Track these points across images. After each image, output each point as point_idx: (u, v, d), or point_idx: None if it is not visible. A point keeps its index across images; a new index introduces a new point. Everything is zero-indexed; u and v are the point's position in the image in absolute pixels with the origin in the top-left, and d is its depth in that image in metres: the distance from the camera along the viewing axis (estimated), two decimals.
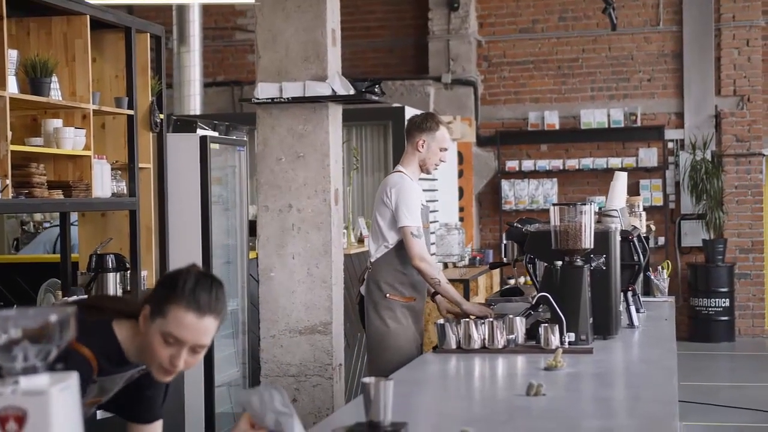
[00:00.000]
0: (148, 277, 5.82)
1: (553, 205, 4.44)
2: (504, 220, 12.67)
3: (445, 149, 5.35)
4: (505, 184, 12.83)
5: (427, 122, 5.33)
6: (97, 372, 2.61)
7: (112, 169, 5.46)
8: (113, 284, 5.38)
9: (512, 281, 12.32)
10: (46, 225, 8.82)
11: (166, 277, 2.64)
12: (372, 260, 5.33)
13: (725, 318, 12.15)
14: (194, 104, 10.58)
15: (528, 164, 12.78)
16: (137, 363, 2.69)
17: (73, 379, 1.79)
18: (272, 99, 5.82)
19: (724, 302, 12.12)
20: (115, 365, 2.65)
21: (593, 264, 4.44)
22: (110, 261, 5.38)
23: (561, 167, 12.68)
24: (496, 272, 11.13)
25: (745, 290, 12.44)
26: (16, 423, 1.71)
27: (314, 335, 5.71)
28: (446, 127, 5.39)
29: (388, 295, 5.20)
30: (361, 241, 8.04)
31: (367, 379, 2.73)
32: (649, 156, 12.52)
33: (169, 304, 2.53)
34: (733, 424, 8.10)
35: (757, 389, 9.63)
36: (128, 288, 5.57)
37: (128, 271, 5.53)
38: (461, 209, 12.32)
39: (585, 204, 4.40)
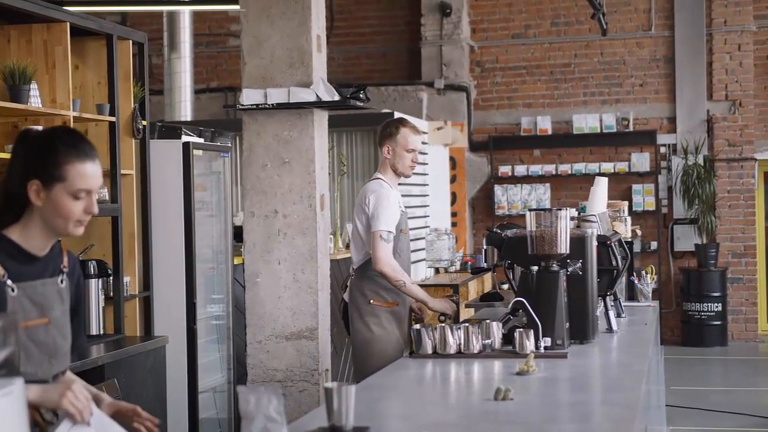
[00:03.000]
0: (131, 283, 5.83)
1: (530, 210, 4.46)
2: (491, 226, 12.66)
3: (413, 150, 5.36)
4: (498, 190, 12.85)
5: (387, 128, 5.41)
6: (4, 274, 2.63)
7: None
8: (95, 290, 5.40)
9: (506, 286, 12.33)
10: None
11: (38, 146, 2.69)
12: (354, 267, 5.39)
13: (718, 322, 12.16)
14: (185, 110, 10.60)
15: (521, 169, 12.80)
16: (44, 255, 2.74)
17: (17, 385, 1.81)
18: (257, 105, 5.85)
19: (717, 307, 12.13)
20: (23, 263, 2.69)
21: (569, 269, 4.45)
22: (92, 267, 5.40)
23: (554, 172, 12.70)
24: (488, 277, 11.14)
25: (737, 295, 12.45)
26: None
27: (300, 341, 5.73)
28: (411, 128, 5.41)
29: (372, 301, 5.26)
30: (348, 246, 8.05)
31: (328, 384, 2.76)
32: (641, 161, 12.53)
33: (62, 167, 2.65)
34: (722, 428, 8.10)
35: (748, 394, 9.64)
36: (111, 294, 5.58)
37: (110, 278, 5.55)
38: (454, 214, 12.34)
39: (561, 209, 4.41)
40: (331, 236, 8.17)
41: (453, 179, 12.35)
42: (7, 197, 2.72)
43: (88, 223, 5.69)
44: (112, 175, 5.58)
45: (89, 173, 2.69)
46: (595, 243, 4.67)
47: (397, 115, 9.91)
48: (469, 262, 11.03)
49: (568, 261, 4.46)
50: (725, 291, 12.23)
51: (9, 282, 2.64)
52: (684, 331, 12.30)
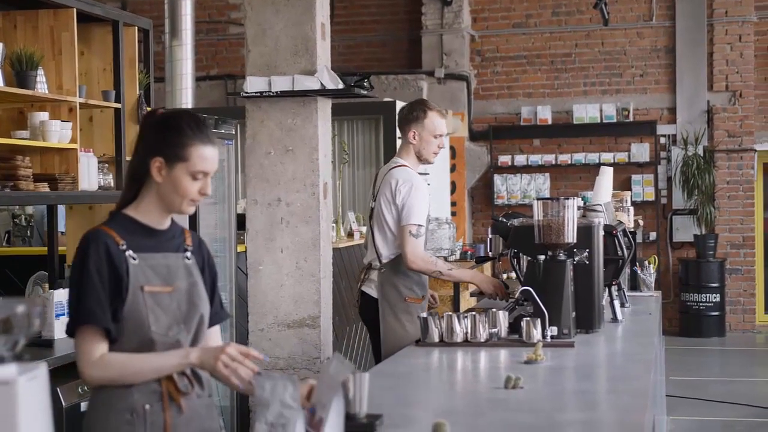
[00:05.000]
0: None
1: (537, 199, 4.45)
2: (497, 215, 12.70)
3: (440, 135, 5.16)
4: (497, 179, 12.85)
5: (413, 112, 5.16)
6: (123, 243, 2.79)
7: (100, 162, 5.47)
8: None
9: (504, 276, 12.34)
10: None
11: (163, 129, 2.85)
12: (383, 260, 5.12)
13: (716, 313, 12.19)
14: (186, 98, 10.53)
15: (520, 159, 12.80)
16: (165, 231, 2.89)
17: (41, 370, 1.81)
18: (261, 93, 5.84)
19: (715, 297, 12.15)
20: (143, 236, 2.84)
21: (576, 258, 4.45)
22: None
23: (553, 162, 12.70)
24: (488, 266, 11.16)
25: (735, 285, 12.48)
26: None
27: (302, 329, 5.73)
28: (438, 112, 5.19)
29: (407, 298, 5.06)
30: (350, 235, 8.06)
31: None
32: (641, 151, 12.54)
33: (186, 148, 2.81)
34: (721, 418, 8.13)
35: (746, 384, 9.67)
36: None
37: None
38: (454, 203, 12.34)
39: (568, 199, 4.41)
40: (333, 225, 8.17)
41: (453, 168, 12.35)
42: (132, 175, 2.88)
43: (92, 210, 5.70)
44: (117, 162, 5.57)
45: (209, 156, 2.83)
46: (602, 232, 4.68)
47: (400, 105, 9.91)
48: (469, 252, 11.05)
49: (575, 250, 4.46)
50: (724, 282, 12.26)
51: (129, 252, 2.79)
52: (682, 322, 12.33)
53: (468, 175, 12.81)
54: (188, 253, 2.93)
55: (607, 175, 5.55)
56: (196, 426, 2.87)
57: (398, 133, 9.81)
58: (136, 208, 2.86)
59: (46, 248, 6.15)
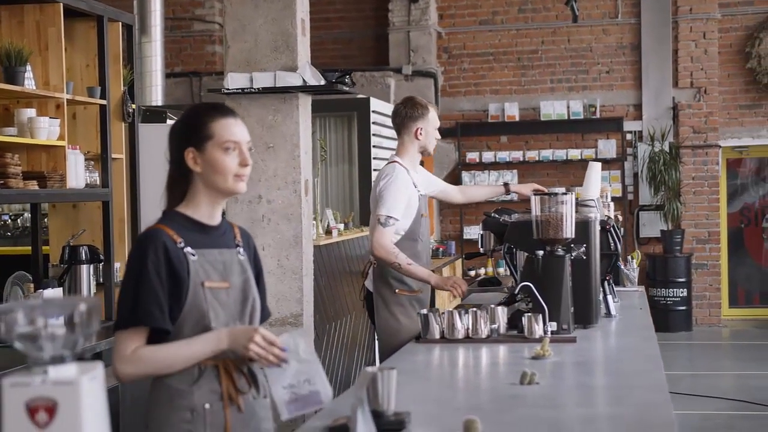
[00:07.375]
0: (121, 269, 5.75)
1: (535, 194, 4.45)
2: (465, 212, 12.73)
3: (437, 127, 5.36)
4: (465, 176, 12.87)
5: (417, 110, 5.26)
6: (181, 241, 2.78)
7: (85, 160, 5.39)
8: (86, 276, 5.31)
9: (472, 273, 12.36)
10: (6, 217, 8.70)
11: (183, 122, 2.88)
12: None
13: (683, 308, 12.30)
14: (156, 95, 10.45)
15: (488, 156, 12.83)
16: (217, 226, 2.88)
17: (99, 369, 1.77)
18: (242, 89, 5.79)
19: (682, 292, 12.27)
20: (197, 232, 2.83)
21: (574, 253, 4.46)
22: (83, 253, 5.31)
23: (521, 159, 12.74)
24: (459, 263, 11.18)
25: (702, 280, 12.60)
26: (47, 413, 1.69)
27: (285, 327, 5.70)
28: (433, 107, 5.38)
29: (397, 290, 5.13)
30: (329, 232, 8.02)
31: (371, 369, 2.73)
32: (608, 147, 12.62)
33: (207, 126, 2.81)
34: (689, 412, 8.20)
35: (715, 378, 9.77)
36: (101, 280, 5.50)
37: (102, 263, 5.46)
38: None
39: (566, 194, 4.41)
40: (313, 222, 8.13)
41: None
42: (172, 178, 2.87)
43: (75, 208, 5.61)
44: (103, 160, 5.49)
45: (233, 126, 2.83)
46: (598, 227, 4.69)
47: (374, 102, 9.89)
48: (441, 249, 11.07)
49: (572, 245, 4.46)
50: (690, 277, 12.37)
51: (188, 249, 2.79)
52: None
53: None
54: (241, 249, 2.92)
55: (596, 171, 5.57)
56: (254, 426, 2.86)
57: (374, 130, 9.79)
58: (186, 205, 2.86)
59: (27, 247, 6.06)
